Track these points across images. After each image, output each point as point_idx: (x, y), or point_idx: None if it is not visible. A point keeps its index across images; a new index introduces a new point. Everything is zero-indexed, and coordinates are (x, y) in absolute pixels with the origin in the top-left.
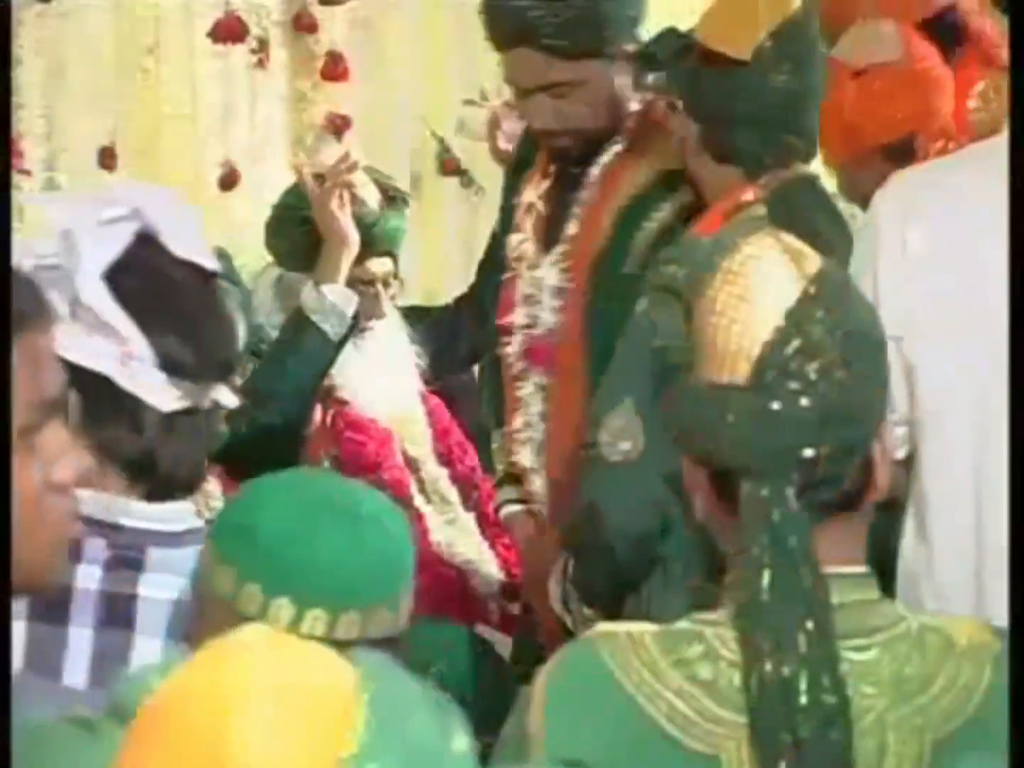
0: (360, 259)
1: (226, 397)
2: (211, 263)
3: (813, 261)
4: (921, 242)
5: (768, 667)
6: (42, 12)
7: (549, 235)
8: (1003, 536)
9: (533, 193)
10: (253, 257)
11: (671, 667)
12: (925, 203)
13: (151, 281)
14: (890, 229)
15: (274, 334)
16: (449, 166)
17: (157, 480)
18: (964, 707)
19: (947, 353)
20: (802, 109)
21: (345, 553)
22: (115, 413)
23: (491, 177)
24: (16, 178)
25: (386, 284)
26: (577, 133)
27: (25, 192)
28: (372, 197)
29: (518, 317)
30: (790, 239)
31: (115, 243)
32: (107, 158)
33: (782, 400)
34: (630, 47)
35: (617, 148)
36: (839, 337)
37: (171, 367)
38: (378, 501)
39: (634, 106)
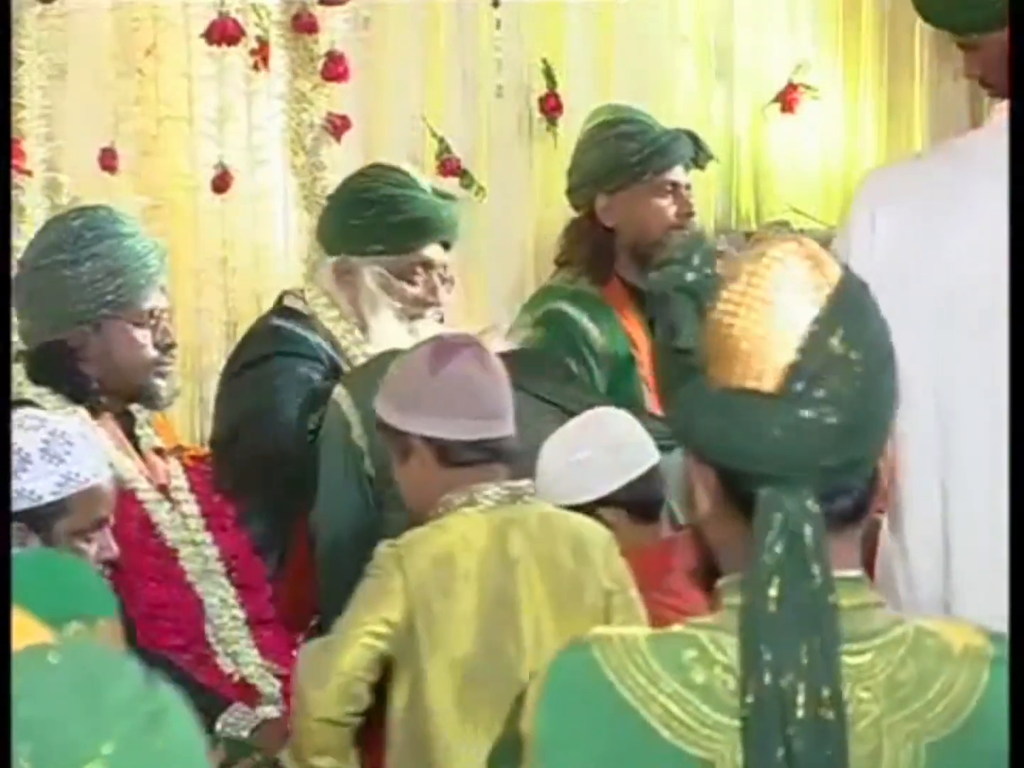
0: (420, 243)
1: None
2: None
3: (834, 269)
4: (888, 231)
5: (767, 678)
6: (42, 12)
7: None
8: (970, 527)
9: None
10: (251, 259)
11: (666, 671)
12: (895, 194)
13: None
14: (861, 218)
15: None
16: (449, 166)
17: None
18: (960, 712)
19: (910, 341)
20: None
21: None
22: None
23: (491, 177)
24: (16, 178)
25: (439, 274)
26: None
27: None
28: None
29: None
30: (812, 244)
31: None
32: (108, 159)
33: (811, 409)
34: None
35: None
36: (861, 347)
37: None
38: None
39: None
